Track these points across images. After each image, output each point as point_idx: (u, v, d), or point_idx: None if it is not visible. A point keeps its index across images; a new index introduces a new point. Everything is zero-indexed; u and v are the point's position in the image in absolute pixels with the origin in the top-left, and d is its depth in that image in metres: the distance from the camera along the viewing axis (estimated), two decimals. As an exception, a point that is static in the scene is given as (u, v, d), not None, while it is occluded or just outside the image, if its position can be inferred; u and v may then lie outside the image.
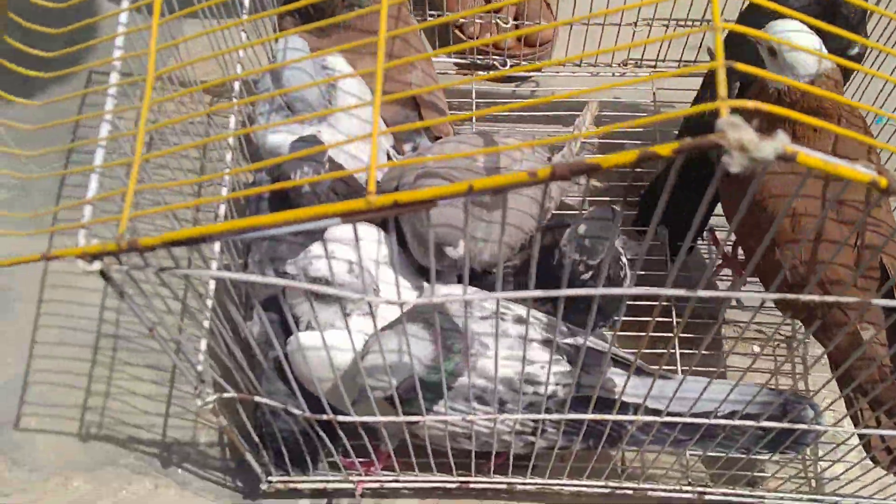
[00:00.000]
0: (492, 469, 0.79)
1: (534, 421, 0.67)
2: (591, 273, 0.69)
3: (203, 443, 0.90)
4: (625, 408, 0.66)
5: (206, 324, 0.67)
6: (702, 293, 0.44)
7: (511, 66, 0.99)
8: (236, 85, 0.77)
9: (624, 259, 0.71)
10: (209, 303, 0.69)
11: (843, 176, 0.33)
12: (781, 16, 0.79)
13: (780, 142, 0.32)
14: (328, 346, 0.67)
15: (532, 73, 1.02)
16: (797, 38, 0.70)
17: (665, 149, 0.33)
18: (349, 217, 0.39)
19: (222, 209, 0.71)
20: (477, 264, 0.74)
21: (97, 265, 0.45)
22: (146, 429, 0.91)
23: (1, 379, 0.93)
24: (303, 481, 0.82)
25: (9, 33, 0.56)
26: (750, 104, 0.33)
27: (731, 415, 0.66)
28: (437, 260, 0.72)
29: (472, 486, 0.81)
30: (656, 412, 0.65)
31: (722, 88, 0.34)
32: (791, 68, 0.69)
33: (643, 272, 0.87)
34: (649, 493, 0.80)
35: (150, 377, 0.93)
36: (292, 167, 0.69)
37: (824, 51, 0.70)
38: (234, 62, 0.79)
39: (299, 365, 0.70)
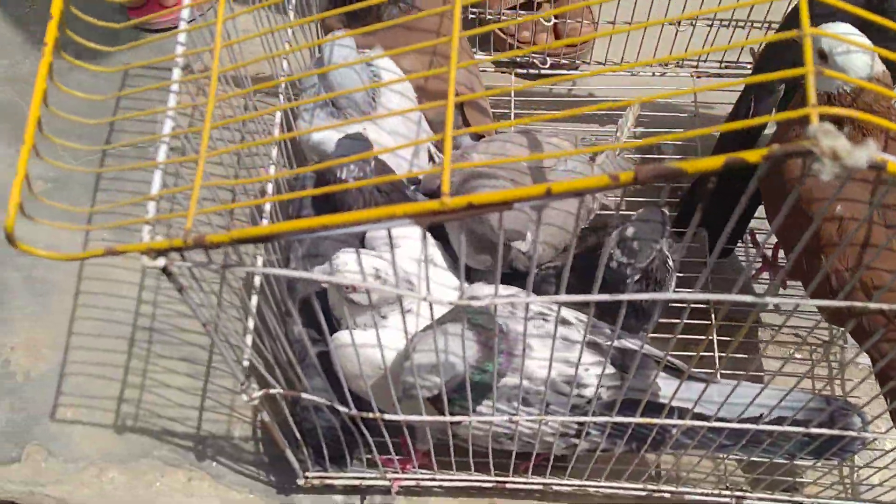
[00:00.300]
0: (530, 469, 0.79)
1: (578, 423, 0.67)
2: (638, 276, 0.68)
3: (237, 436, 0.90)
4: (670, 412, 0.66)
5: (252, 321, 0.67)
6: (741, 297, 0.44)
7: (550, 64, 0.99)
8: (283, 85, 0.76)
9: (670, 262, 0.71)
10: (255, 299, 0.69)
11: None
12: (830, 19, 0.79)
13: (872, 150, 0.32)
14: (370, 344, 0.67)
15: (568, 72, 1.01)
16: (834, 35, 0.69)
17: (754, 155, 0.33)
18: (422, 218, 0.39)
19: (268, 205, 0.71)
20: (521, 264, 0.74)
21: (161, 261, 0.45)
22: (181, 421, 0.91)
23: (38, 370, 0.93)
24: (338, 477, 0.82)
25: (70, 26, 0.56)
26: (842, 112, 0.33)
27: (777, 420, 0.65)
28: (492, 258, 0.72)
29: (508, 485, 0.81)
30: (703, 417, 0.65)
31: (812, 95, 0.33)
32: (843, 72, 0.69)
33: (683, 274, 0.86)
34: (686, 496, 0.80)
35: (184, 370, 0.94)
36: (338, 165, 0.69)
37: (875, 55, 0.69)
38: (281, 57, 0.79)
39: (340, 363, 0.70)
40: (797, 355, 0.92)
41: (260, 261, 0.68)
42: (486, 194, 0.37)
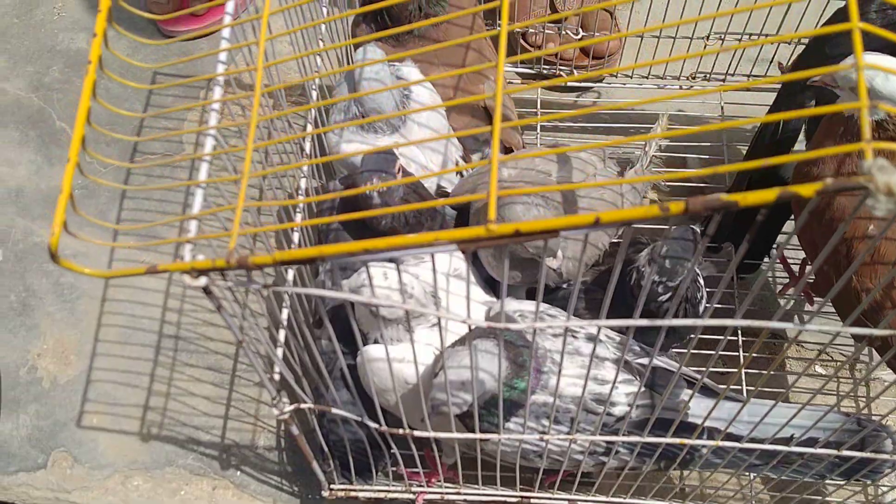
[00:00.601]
0: (556, 485, 0.79)
1: (607, 441, 0.67)
2: (669, 294, 0.68)
3: (261, 446, 0.91)
4: (700, 430, 0.65)
5: (283, 334, 0.67)
6: (782, 325, 0.43)
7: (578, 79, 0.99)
8: (314, 94, 0.77)
9: (701, 279, 0.70)
10: (285, 313, 0.69)
11: None
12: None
13: (930, 186, 0.32)
14: (397, 359, 0.67)
15: (594, 84, 1.01)
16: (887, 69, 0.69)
17: (807, 189, 0.32)
18: (467, 244, 0.39)
19: (298, 217, 0.72)
20: (551, 280, 0.74)
21: (203, 280, 0.46)
22: (205, 430, 0.92)
23: (65, 377, 0.94)
24: (363, 490, 0.82)
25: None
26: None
27: (809, 441, 0.65)
28: (522, 274, 0.72)
29: (533, 500, 0.80)
30: (733, 436, 0.65)
31: (867, 130, 0.33)
32: (884, 99, 0.68)
33: (711, 289, 0.86)
34: (712, 514, 0.79)
35: (209, 379, 0.94)
36: (364, 179, 0.69)
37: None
38: (311, 70, 0.80)
39: (367, 377, 0.70)
40: (820, 370, 0.92)
41: (291, 274, 0.68)
42: (533, 222, 0.37)
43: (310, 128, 0.76)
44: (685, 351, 0.68)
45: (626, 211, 0.36)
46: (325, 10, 0.77)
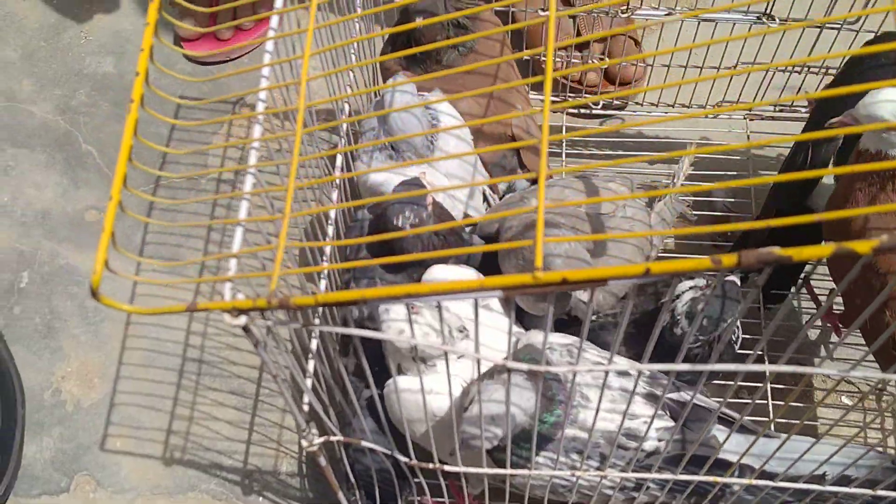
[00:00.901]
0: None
1: (638, 477, 0.66)
2: (700, 343, 0.68)
3: (284, 472, 0.91)
4: (731, 465, 0.65)
5: (312, 364, 0.67)
6: (825, 370, 0.43)
7: (602, 104, 0.99)
8: (345, 126, 0.77)
9: (737, 324, 0.70)
10: (314, 343, 0.69)
11: None
12: (882, 70, 0.78)
13: None
14: (427, 391, 0.67)
15: (619, 112, 1.01)
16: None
17: (863, 246, 0.32)
18: (513, 291, 0.39)
19: (328, 249, 0.72)
20: (580, 312, 0.73)
21: (243, 319, 0.46)
22: (228, 455, 0.91)
23: (88, 400, 0.94)
24: (388, 519, 0.81)
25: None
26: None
27: (843, 479, 0.64)
28: (555, 305, 0.72)
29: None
30: (767, 474, 0.64)
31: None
32: None
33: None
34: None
35: (233, 403, 0.94)
36: (394, 212, 0.69)
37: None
38: (342, 106, 0.80)
39: (395, 408, 0.70)
40: (846, 400, 0.91)
41: (320, 308, 0.68)
42: (581, 271, 0.37)
43: (339, 157, 0.76)
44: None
45: (677, 263, 0.35)
46: (353, 54, 0.78)
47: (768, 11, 0.86)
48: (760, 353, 0.87)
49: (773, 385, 0.87)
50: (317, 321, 0.52)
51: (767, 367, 0.44)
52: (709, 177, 0.97)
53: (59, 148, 1.07)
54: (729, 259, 0.34)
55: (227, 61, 1.13)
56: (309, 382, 0.67)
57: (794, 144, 0.87)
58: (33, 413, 0.93)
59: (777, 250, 0.34)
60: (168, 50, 1.10)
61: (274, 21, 0.58)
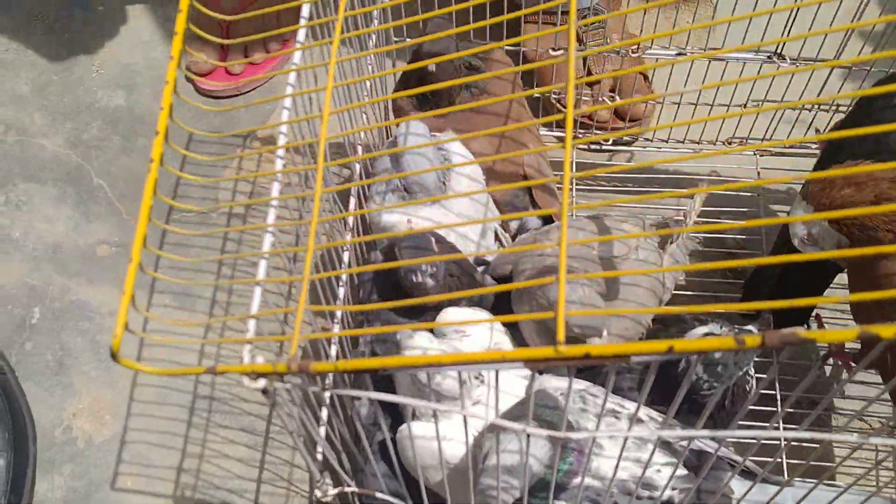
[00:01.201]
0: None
1: (652, 525, 0.66)
2: (713, 390, 0.68)
3: (294, 511, 0.90)
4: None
5: (325, 412, 0.67)
6: (846, 437, 0.43)
7: (611, 140, 0.99)
8: (357, 166, 0.77)
9: (751, 370, 0.70)
10: (327, 395, 0.69)
11: None
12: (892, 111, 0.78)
13: None
14: (436, 437, 0.67)
15: (628, 148, 1.02)
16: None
17: (888, 331, 0.32)
18: (535, 364, 0.39)
19: (341, 291, 0.72)
20: (594, 357, 0.73)
21: (261, 383, 0.46)
22: (239, 493, 0.91)
23: (100, 437, 0.94)
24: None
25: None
26: None
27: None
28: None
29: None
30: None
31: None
32: None
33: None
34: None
35: (243, 441, 0.94)
36: (413, 266, 0.70)
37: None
38: (356, 142, 0.80)
39: (408, 454, 0.70)
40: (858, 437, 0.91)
41: (334, 350, 0.68)
42: (604, 346, 0.37)
43: (353, 201, 0.76)
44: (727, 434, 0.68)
45: (703, 342, 0.35)
46: (367, 89, 0.78)
47: (779, 51, 0.87)
48: (772, 391, 0.87)
49: (785, 426, 0.86)
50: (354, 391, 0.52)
51: (783, 433, 0.44)
52: (719, 212, 0.97)
53: (71, 182, 1.08)
54: (753, 340, 0.34)
55: (236, 95, 1.13)
56: (322, 431, 0.67)
57: (804, 183, 0.87)
58: (45, 450, 0.93)
59: (801, 332, 0.34)
60: (180, 82, 1.10)
61: (297, 56, 0.58)
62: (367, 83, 0.82)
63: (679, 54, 0.89)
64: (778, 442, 0.82)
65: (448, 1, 0.76)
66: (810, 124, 0.96)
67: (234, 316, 0.90)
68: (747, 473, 0.68)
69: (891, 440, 0.43)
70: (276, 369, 0.44)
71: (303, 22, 0.59)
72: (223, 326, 1.00)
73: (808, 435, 0.43)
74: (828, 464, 0.83)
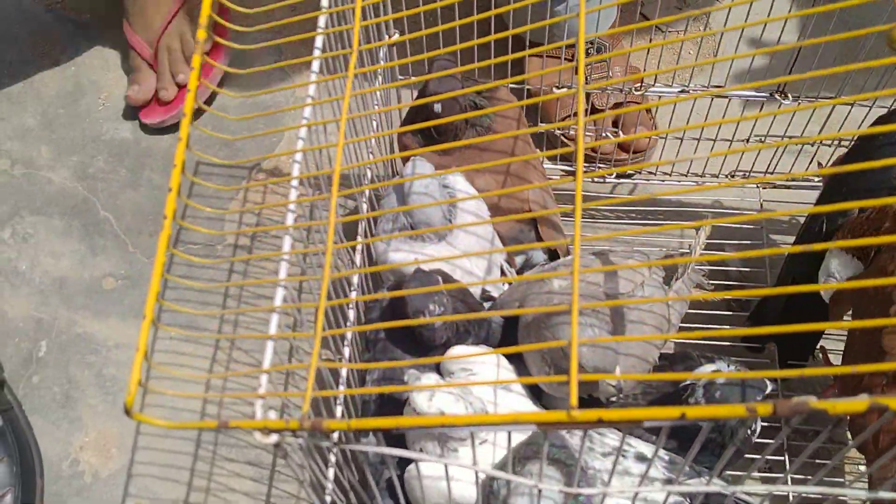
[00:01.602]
0: None
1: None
2: (720, 429, 0.68)
3: (301, 545, 0.91)
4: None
5: (333, 457, 0.68)
6: (840, 490, 0.43)
7: (616, 174, 1.00)
8: (364, 206, 0.78)
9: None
10: (335, 436, 0.69)
11: None
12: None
13: None
14: (443, 477, 0.67)
15: (630, 180, 1.02)
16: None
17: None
18: (548, 426, 0.39)
19: (349, 335, 0.72)
20: (603, 395, 0.74)
21: (274, 438, 0.46)
22: (245, 527, 0.91)
23: (106, 470, 0.94)
24: None
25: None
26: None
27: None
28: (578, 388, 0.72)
29: None
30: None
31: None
32: None
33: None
34: None
35: (249, 474, 0.94)
36: (421, 307, 0.70)
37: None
38: (361, 178, 0.81)
39: (416, 494, 0.70)
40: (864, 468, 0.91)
41: (339, 410, 0.69)
42: (616, 412, 0.37)
43: (360, 239, 0.76)
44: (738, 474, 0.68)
45: (714, 408, 0.36)
46: (374, 122, 0.79)
47: (782, 89, 0.88)
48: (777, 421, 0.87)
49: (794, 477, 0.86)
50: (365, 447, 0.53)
51: (791, 489, 0.44)
52: (722, 245, 0.98)
53: (77, 215, 1.08)
54: (764, 408, 0.35)
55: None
56: (331, 473, 0.67)
57: (808, 216, 0.87)
58: (51, 484, 0.94)
59: (812, 402, 0.34)
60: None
61: (312, 89, 0.59)
62: (374, 119, 0.82)
63: (682, 91, 0.90)
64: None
65: (453, 39, 0.77)
66: (813, 157, 0.97)
67: (242, 371, 0.91)
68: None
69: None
70: (288, 426, 0.44)
71: (316, 53, 0.60)
72: (229, 358, 1.00)
73: (815, 489, 0.43)
74: None
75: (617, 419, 0.38)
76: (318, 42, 0.60)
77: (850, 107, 0.87)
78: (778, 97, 0.88)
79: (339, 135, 0.52)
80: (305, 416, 0.44)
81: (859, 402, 0.34)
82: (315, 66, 0.59)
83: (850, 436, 0.90)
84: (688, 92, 0.89)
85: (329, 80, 0.60)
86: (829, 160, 0.94)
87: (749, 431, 0.70)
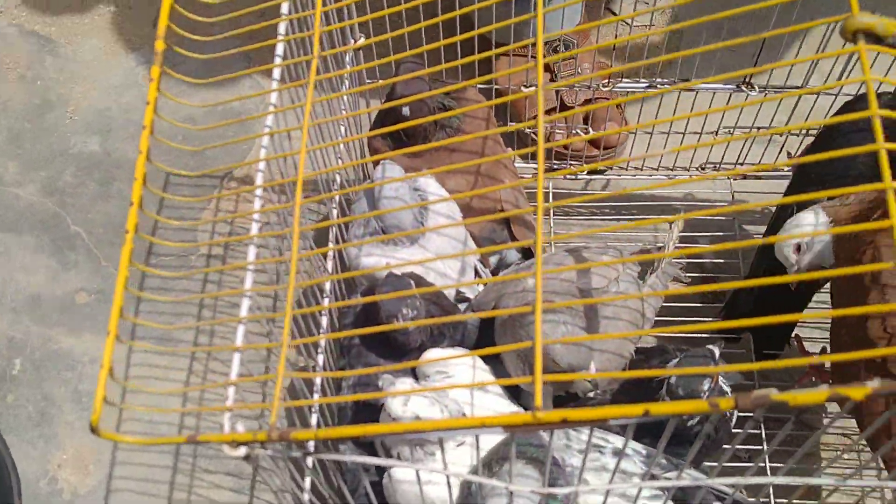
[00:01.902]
0: None
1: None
2: (697, 419, 0.68)
3: (284, 554, 0.90)
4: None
5: (310, 461, 0.67)
6: (815, 480, 0.43)
7: (587, 170, 1.00)
8: (334, 212, 0.78)
9: (727, 391, 0.70)
10: (310, 461, 0.69)
11: None
12: (862, 134, 0.79)
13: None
14: (424, 481, 0.67)
15: (603, 176, 1.02)
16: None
17: (858, 393, 0.33)
18: (514, 429, 0.39)
19: (322, 342, 0.72)
20: (580, 390, 0.74)
21: (242, 451, 0.46)
22: (227, 539, 0.91)
23: (84, 487, 0.94)
24: None
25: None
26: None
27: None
28: (549, 387, 0.72)
29: None
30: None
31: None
32: None
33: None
34: None
35: (229, 485, 0.93)
36: (393, 312, 0.70)
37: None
38: (330, 183, 0.81)
39: (393, 499, 0.70)
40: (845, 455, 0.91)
41: (315, 418, 0.68)
42: (581, 411, 0.37)
43: (331, 245, 0.76)
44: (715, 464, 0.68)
45: (677, 405, 0.36)
46: (343, 128, 0.79)
47: (748, 80, 0.88)
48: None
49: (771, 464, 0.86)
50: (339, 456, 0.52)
51: (770, 479, 0.44)
52: (696, 237, 0.98)
53: (47, 230, 1.07)
54: (726, 403, 0.35)
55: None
56: (307, 483, 0.67)
57: (778, 207, 0.88)
58: (30, 503, 0.92)
59: (774, 394, 0.34)
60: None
61: (273, 97, 0.58)
62: (342, 124, 0.82)
63: (650, 86, 0.90)
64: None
65: (419, 41, 0.76)
66: (782, 147, 0.97)
67: (213, 384, 0.90)
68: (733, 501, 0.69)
69: (866, 481, 0.43)
70: (256, 438, 0.44)
71: (277, 61, 0.59)
72: (206, 369, 0.99)
73: (789, 480, 0.43)
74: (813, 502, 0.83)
75: (581, 418, 0.38)
76: (279, 49, 0.59)
77: (816, 96, 0.88)
78: (745, 89, 0.88)
79: (302, 142, 0.51)
80: (273, 426, 0.44)
81: (819, 394, 0.34)
82: (276, 73, 0.58)
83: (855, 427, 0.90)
84: (655, 87, 0.89)
85: (293, 87, 0.60)
86: (797, 149, 0.95)
87: (723, 421, 0.70)
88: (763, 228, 0.97)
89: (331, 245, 0.77)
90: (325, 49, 0.76)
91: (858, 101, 0.84)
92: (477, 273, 0.86)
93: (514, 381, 0.43)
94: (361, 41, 0.87)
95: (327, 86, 0.86)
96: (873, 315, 0.69)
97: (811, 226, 0.72)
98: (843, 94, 0.90)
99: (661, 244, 0.85)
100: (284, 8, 0.61)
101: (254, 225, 0.51)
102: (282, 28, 0.60)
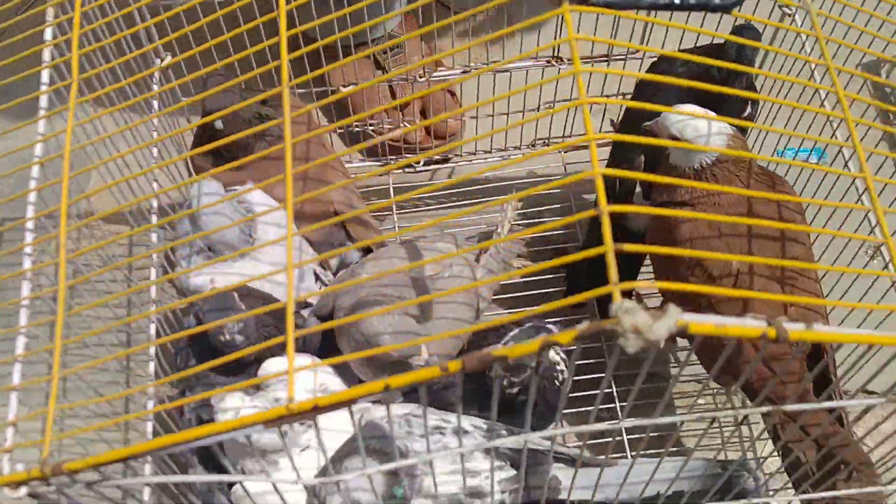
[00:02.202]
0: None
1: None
2: (517, 388, 0.70)
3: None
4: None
5: (147, 494, 0.66)
6: (660, 420, 0.45)
7: (424, 161, 1.01)
8: (154, 236, 0.76)
9: (561, 366, 0.72)
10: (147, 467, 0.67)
11: (734, 335, 0.35)
12: (665, 93, 0.83)
13: (672, 318, 0.34)
14: (271, 492, 0.66)
15: (447, 165, 1.04)
16: (696, 121, 0.73)
17: (565, 337, 0.34)
18: (273, 423, 0.39)
19: (151, 367, 0.71)
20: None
21: (23, 491, 0.44)
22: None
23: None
24: None
25: None
26: (641, 285, 0.35)
27: (677, 496, 0.67)
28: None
29: None
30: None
31: (613, 272, 0.35)
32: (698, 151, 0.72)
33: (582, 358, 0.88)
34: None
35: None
36: (216, 334, 0.69)
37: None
38: (147, 211, 0.79)
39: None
40: (700, 400, 0.95)
41: (150, 427, 0.67)
42: (330, 396, 0.38)
43: (153, 272, 0.75)
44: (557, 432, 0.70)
45: (411, 374, 0.37)
46: (155, 151, 0.77)
47: (556, 54, 0.91)
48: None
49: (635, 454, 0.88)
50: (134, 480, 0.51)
51: (624, 423, 0.46)
52: (541, 212, 1.01)
53: None
54: (454, 365, 0.36)
55: None
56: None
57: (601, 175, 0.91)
58: None
59: (494, 352, 0.36)
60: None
61: (41, 125, 0.57)
62: (155, 147, 0.80)
63: (464, 71, 0.92)
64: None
65: (226, 52, 0.76)
66: (604, 113, 1.01)
67: None
68: (571, 461, 0.71)
69: (719, 413, 0.45)
70: (30, 476, 0.43)
71: (44, 88, 0.58)
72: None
73: (640, 422, 0.45)
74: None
75: (332, 402, 0.38)
76: (45, 77, 0.58)
77: (622, 61, 0.91)
78: (555, 63, 0.91)
79: (64, 171, 0.50)
80: (45, 461, 0.43)
81: (531, 344, 0.35)
82: (43, 101, 0.57)
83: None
84: (469, 71, 0.91)
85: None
86: (618, 115, 0.98)
87: (556, 381, 0.72)
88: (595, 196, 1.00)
89: (153, 271, 0.76)
90: (134, 72, 0.75)
91: (661, 61, 0.88)
92: (318, 278, 0.86)
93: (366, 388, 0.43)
94: (168, 60, 0.86)
95: (140, 107, 0.84)
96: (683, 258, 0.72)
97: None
98: (649, 58, 0.93)
99: (495, 226, 0.87)
100: (48, 34, 0.60)
101: (26, 259, 0.49)
102: (46, 55, 0.59)
